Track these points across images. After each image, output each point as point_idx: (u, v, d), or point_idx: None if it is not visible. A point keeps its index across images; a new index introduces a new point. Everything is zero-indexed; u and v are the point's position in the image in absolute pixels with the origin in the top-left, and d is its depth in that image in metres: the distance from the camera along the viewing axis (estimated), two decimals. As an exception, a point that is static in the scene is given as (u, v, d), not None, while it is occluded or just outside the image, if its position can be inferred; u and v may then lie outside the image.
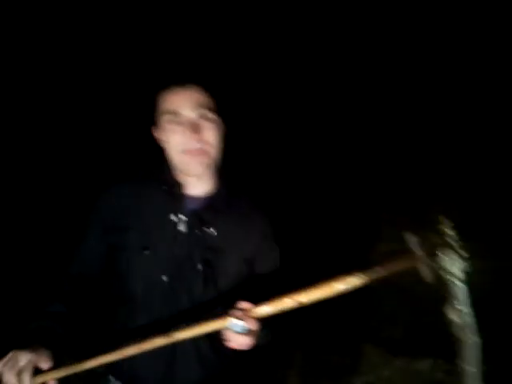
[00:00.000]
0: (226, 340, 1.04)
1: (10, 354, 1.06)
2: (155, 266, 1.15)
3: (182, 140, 1.12)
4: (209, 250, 1.15)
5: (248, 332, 1.00)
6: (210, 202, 1.20)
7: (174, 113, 1.11)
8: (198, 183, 1.20)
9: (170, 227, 1.15)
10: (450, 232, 0.85)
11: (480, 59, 3.19)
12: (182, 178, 1.19)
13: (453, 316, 0.84)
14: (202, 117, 1.13)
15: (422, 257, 0.86)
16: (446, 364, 2.54)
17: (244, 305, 1.00)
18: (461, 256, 0.83)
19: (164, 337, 1.09)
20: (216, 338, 1.12)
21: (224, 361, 1.23)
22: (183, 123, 1.11)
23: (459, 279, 0.83)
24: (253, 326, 0.99)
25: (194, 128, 1.11)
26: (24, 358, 1.05)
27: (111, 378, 1.25)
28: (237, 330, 0.98)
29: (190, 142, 1.11)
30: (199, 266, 1.14)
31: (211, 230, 1.16)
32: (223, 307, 1.03)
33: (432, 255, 0.84)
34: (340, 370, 2.58)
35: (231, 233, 1.18)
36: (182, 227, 1.15)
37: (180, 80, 1.14)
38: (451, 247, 0.83)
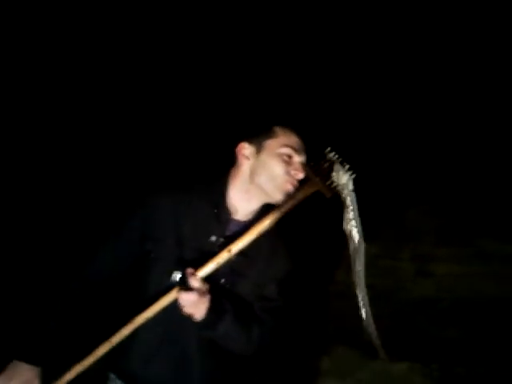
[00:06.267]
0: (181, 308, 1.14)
1: None
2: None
3: (286, 171, 1.21)
4: (234, 271, 1.25)
5: (192, 289, 1.12)
6: (247, 227, 1.26)
7: (293, 150, 1.23)
8: (247, 210, 1.29)
9: (208, 247, 1.24)
10: (333, 156, 1.11)
11: (481, 62, 3.14)
12: (237, 201, 1.28)
13: (346, 224, 1.05)
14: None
15: (319, 179, 1.10)
16: (424, 368, 2.57)
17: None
18: (345, 170, 1.08)
19: (127, 325, 1.19)
20: (221, 355, 1.24)
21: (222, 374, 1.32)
22: (295, 162, 1.23)
23: (348, 189, 1.07)
24: (193, 280, 1.13)
25: (303, 170, 1.23)
26: None
27: (112, 375, 1.29)
28: (176, 279, 1.14)
29: (292, 177, 1.22)
30: (221, 282, 1.24)
31: (241, 255, 1.24)
32: None
33: (325, 176, 1.08)
34: (316, 373, 2.60)
35: (257, 261, 1.28)
36: (218, 248, 1.23)
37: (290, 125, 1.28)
38: (337, 166, 1.08)
